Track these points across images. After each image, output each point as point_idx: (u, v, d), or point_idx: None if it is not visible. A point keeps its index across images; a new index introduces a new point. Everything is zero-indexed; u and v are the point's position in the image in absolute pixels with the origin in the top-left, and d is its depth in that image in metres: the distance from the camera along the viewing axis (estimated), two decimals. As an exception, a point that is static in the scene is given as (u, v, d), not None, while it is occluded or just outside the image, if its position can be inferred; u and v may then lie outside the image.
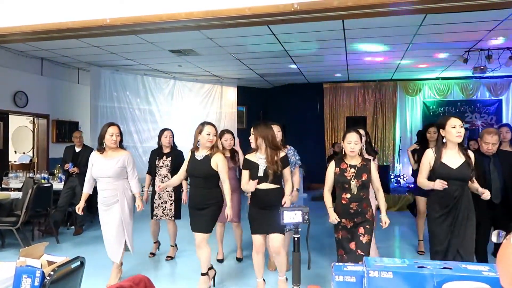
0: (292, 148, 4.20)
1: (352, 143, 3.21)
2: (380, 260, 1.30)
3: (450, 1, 3.01)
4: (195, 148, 3.66)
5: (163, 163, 4.73)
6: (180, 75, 10.60)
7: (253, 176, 3.43)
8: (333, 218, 3.19)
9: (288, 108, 11.82)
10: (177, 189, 4.69)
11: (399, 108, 11.29)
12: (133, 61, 9.01)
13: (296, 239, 1.52)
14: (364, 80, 11.33)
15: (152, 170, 4.82)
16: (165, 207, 4.70)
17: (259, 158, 3.45)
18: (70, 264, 1.88)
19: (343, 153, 3.31)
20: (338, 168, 3.28)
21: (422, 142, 5.15)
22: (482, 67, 7.68)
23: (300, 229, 1.66)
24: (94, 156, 3.86)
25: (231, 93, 11.70)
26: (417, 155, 4.95)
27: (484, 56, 7.56)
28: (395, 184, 10.35)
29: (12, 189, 6.25)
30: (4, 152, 8.25)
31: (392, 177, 10.50)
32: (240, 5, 3.30)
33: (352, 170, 3.22)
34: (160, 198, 4.71)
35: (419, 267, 1.23)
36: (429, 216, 3.49)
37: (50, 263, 1.84)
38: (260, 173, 3.39)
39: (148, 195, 4.79)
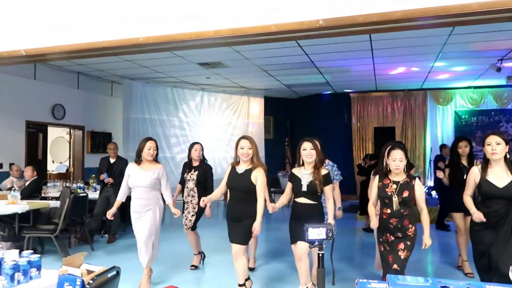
0: (330, 162, 4.26)
1: (397, 160, 3.27)
2: (403, 279, 1.34)
3: (478, 14, 3.00)
4: (236, 162, 3.78)
5: (190, 177, 4.86)
6: (208, 86, 10.84)
7: (296, 189, 3.58)
8: (374, 222, 3.30)
9: (315, 119, 11.81)
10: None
11: (429, 118, 11.06)
12: (163, 74, 9.31)
13: (320, 255, 1.58)
14: (393, 90, 11.19)
15: (182, 182, 5.01)
16: (187, 217, 4.84)
17: (304, 173, 3.57)
18: (107, 273, 2.00)
19: (388, 169, 3.37)
20: (381, 183, 3.36)
21: (453, 156, 4.84)
22: (516, 76, 7.47)
23: (324, 246, 1.71)
24: (131, 167, 4.14)
25: (258, 104, 11.83)
26: (451, 171, 4.69)
27: (518, 64, 7.36)
28: (427, 196, 10.12)
29: (50, 198, 6.55)
30: (43, 162, 8.67)
31: (425, 189, 10.30)
32: (266, 23, 3.39)
33: (394, 186, 3.28)
34: (186, 209, 4.86)
35: (442, 286, 1.26)
36: (471, 230, 3.44)
37: (89, 272, 1.97)
38: (304, 188, 3.51)
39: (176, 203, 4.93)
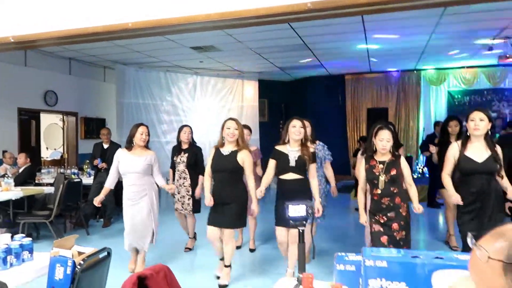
0: (321, 143, 4.29)
1: (384, 140, 3.25)
2: (377, 251, 1.39)
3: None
4: (220, 144, 3.75)
5: (180, 159, 4.87)
6: (201, 70, 10.78)
7: (283, 165, 3.52)
8: (363, 220, 3.32)
9: (309, 101, 11.83)
10: (194, 185, 4.84)
11: (422, 98, 11.11)
12: (156, 58, 9.25)
13: (300, 231, 1.63)
14: (386, 71, 11.20)
15: (172, 166, 5.03)
16: (184, 201, 4.86)
17: (290, 150, 3.54)
18: (98, 254, 2.06)
19: (374, 149, 3.34)
20: (367, 165, 3.35)
21: (443, 135, 4.97)
22: (508, 55, 7.48)
23: (309, 222, 1.76)
24: (121, 153, 4.09)
25: (252, 87, 11.81)
26: (440, 149, 4.73)
27: (510, 44, 7.36)
28: (419, 175, 10.25)
29: (45, 184, 6.60)
30: (37, 149, 8.67)
31: (418, 167, 10.43)
32: (255, 6, 3.38)
33: (381, 165, 3.27)
34: (179, 193, 4.87)
35: (412, 257, 1.32)
36: (458, 209, 3.48)
37: (80, 253, 2.02)
38: (292, 163, 3.48)
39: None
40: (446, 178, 3.41)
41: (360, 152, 4.55)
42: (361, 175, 3.42)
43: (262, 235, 5.54)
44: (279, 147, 3.60)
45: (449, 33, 7.19)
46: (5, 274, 1.80)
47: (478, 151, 3.24)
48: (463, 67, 10.56)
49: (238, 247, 4.86)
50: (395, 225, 3.24)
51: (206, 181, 3.82)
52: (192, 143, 5.00)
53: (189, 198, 4.84)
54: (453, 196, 3.29)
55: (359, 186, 3.49)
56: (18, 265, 2.15)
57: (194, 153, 4.90)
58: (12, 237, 2.25)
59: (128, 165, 4.00)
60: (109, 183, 4.13)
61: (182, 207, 4.89)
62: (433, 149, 4.74)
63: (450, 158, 3.37)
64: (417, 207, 3.26)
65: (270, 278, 3.95)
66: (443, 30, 6.97)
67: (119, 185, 4.28)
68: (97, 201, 4.07)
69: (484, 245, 0.88)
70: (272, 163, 3.60)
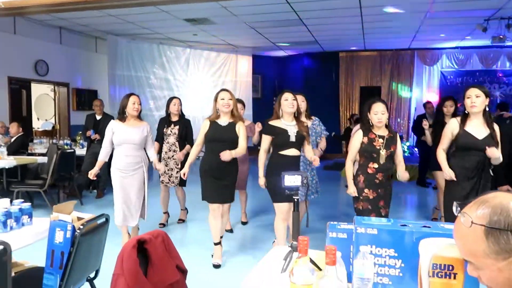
0: (317, 119, 4.31)
1: (379, 113, 3.19)
2: (368, 219, 1.47)
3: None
4: (216, 116, 3.67)
5: (171, 131, 4.81)
6: (195, 43, 10.65)
7: (282, 141, 3.45)
8: (352, 190, 3.26)
9: (303, 77, 11.81)
10: (184, 158, 4.73)
11: (415, 78, 11.16)
12: (149, 30, 9.10)
13: (295, 200, 1.69)
14: (381, 49, 11.18)
15: (159, 138, 4.89)
16: (171, 174, 4.81)
17: (286, 124, 3.47)
18: (97, 220, 2.11)
19: (370, 123, 3.28)
20: (366, 138, 3.25)
21: (438, 115, 4.98)
22: (501, 36, 7.51)
23: (302, 199, 1.82)
24: (115, 124, 3.92)
25: (246, 62, 11.73)
26: (434, 129, 4.75)
27: (504, 25, 7.39)
28: (409, 155, 10.41)
29: (37, 154, 6.58)
30: (28, 119, 8.60)
31: (405, 147, 10.56)
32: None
33: (381, 140, 3.22)
34: (166, 165, 4.79)
35: (401, 225, 1.39)
36: (447, 185, 3.43)
37: (79, 218, 2.07)
38: (292, 138, 3.43)
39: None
40: (442, 154, 3.38)
41: (355, 128, 4.58)
42: (355, 146, 3.31)
43: (251, 212, 5.64)
44: (273, 122, 3.51)
45: (443, 12, 7.18)
46: (6, 237, 1.84)
47: (478, 128, 3.22)
48: (456, 48, 10.59)
49: (229, 231, 4.76)
50: (381, 202, 3.25)
51: (193, 151, 3.75)
52: (182, 115, 4.93)
53: (177, 172, 4.74)
54: (447, 171, 3.28)
55: (349, 157, 3.41)
56: (18, 229, 2.20)
57: (185, 125, 4.85)
58: (11, 202, 2.29)
59: (124, 136, 3.87)
60: (103, 156, 3.98)
61: (169, 179, 4.82)
62: (426, 124, 4.74)
63: (447, 134, 3.34)
64: (402, 175, 3.25)
65: (262, 252, 4.06)
66: (438, 8, 6.95)
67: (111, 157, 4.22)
68: (92, 174, 3.94)
69: (468, 211, 0.95)
70: (267, 139, 3.52)
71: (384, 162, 3.21)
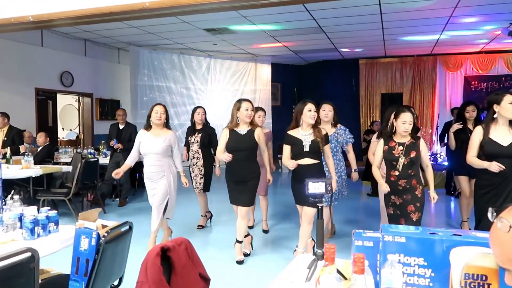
0: (342, 127, 4.33)
1: (407, 123, 3.26)
2: (395, 227, 1.43)
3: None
4: (235, 124, 3.85)
5: (194, 139, 5.03)
6: (215, 53, 10.77)
7: (297, 151, 3.58)
8: (384, 187, 3.33)
9: (322, 85, 11.74)
10: (207, 165, 5.01)
11: (438, 83, 10.94)
12: (170, 40, 9.25)
13: (319, 207, 1.67)
14: (402, 56, 11.03)
15: (186, 144, 5.20)
16: (196, 180, 5.04)
17: (303, 134, 3.59)
18: (121, 227, 2.13)
19: (393, 131, 3.37)
20: (386, 146, 3.37)
21: (459, 120, 4.90)
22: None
23: (326, 204, 1.79)
24: (142, 134, 4.12)
25: (266, 71, 11.75)
26: (456, 134, 4.75)
27: (530, 28, 7.19)
28: (432, 162, 10.18)
29: (62, 163, 6.74)
30: (54, 129, 8.83)
31: (429, 154, 10.34)
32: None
33: (401, 147, 3.29)
34: (192, 172, 5.05)
35: (430, 233, 1.35)
36: (475, 193, 3.46)
37: (103, 226, 2.10)
38: (306, 148, 3.54)
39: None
40: (473, 158, 3.34)
41: (375, 136, 4.54)
42: (378, 154, 3.43)
43: (274, 217, 5.62)
44: (291, 132, 3.67)
45: (467, 15, 7.04)
46: (33, 244, 1.88)
47: (503, 135, 3.20)
48: (480, 52, 10.35)
49: (250, 227, 4.94)
50: (410, 207, 3.28)
51: (219, 156, 3.95)
52: (206, 123, 5.12)
53: (201, 177, 5.01)
54: (492, 164, 3.16)
55: (374, 164, 3.52)
56: (45, 236, 2.25)
57: (208, 133, 5.04)
58: (38, 210, 2.34)
59: (148, 146, 4.04)
60: (130, 160, 4.18)
61: (195, 185, 5.04)
62: (459, 125, 4.74)
63: (475, 141, 3.33)
64: (433, 197, 3.28)
65: (283, 257, 4.04)
66: (461, 13, 6.82)
67: (135, 167, 4.36)
68: (117, 173, 4.06)
69: (505, 216, 0.91)
70: (287, 148, 3.67)
71: (403, 170, 3.27)
